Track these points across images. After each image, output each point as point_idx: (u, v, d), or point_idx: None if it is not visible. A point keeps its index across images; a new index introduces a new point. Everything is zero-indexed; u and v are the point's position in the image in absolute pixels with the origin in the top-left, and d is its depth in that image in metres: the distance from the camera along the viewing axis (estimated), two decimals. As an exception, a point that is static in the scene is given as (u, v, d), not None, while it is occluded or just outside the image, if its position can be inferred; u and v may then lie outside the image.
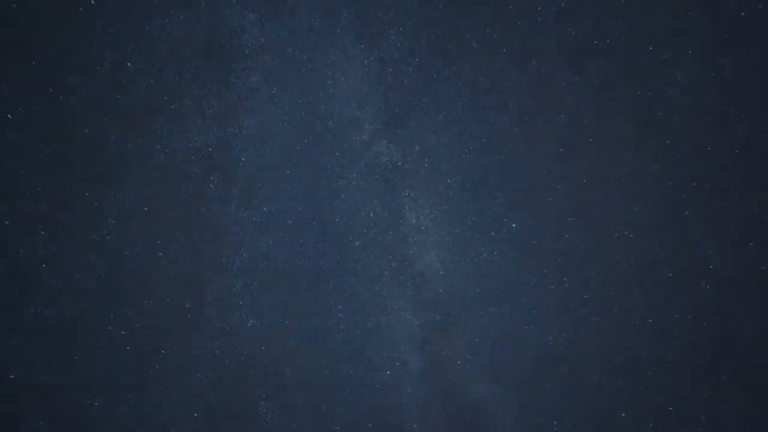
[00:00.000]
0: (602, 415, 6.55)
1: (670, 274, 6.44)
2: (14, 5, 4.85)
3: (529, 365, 6.84)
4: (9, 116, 5.02)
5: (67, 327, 5.70)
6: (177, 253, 5.80)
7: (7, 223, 5.30)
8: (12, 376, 5.39)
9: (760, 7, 5.95)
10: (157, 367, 5.92)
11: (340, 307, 6.35)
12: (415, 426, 6.44)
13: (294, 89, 5.91)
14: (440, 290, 6.57)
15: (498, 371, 6.84)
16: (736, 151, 6.30)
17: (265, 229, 6.07)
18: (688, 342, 6.48)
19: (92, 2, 4.76)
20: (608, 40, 6.34)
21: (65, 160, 5.63)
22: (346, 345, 6.41)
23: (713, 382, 6.45)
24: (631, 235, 6.46)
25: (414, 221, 6.47)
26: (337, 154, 6.16)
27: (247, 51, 5.71)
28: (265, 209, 6.02)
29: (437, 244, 6.55)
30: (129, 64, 5.02)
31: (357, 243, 6.32)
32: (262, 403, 6.19)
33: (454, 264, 6.65)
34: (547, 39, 6.41)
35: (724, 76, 6.17)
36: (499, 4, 6.03)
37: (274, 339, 6.20)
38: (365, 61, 5.95)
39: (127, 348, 5.75)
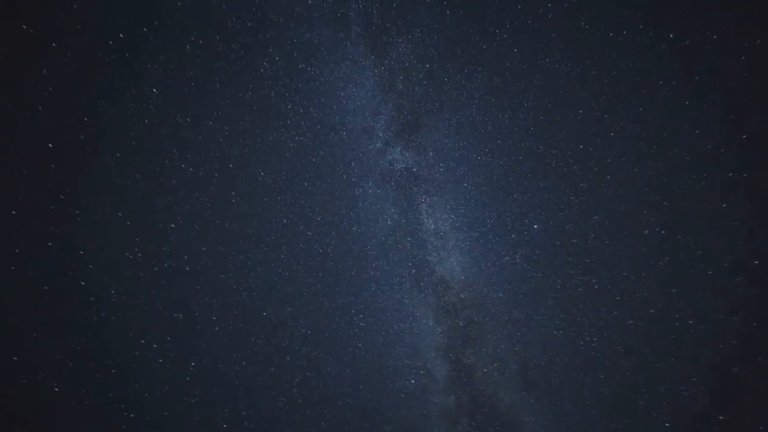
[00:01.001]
0: (643, 424, 5.80)
1: (710, 272, 5.70)
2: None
3: (562, 372, 6.19)
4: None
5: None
6: (204, 265, 5.68)
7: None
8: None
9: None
10: (194, 373, 5.74)
11: (361, 315, 6.02)
12: (441, 437, 5.94)
13: (308, 103, 5.76)
14: (462, 296, 6.12)
15: (528, 379, 6.23)
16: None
17: (285, 240, 5.87)
18: (735, 345, 5.68)
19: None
20: (623, 33, 5.82)
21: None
22: (368, 353, 6.05)
23: (762, 388, 5.58)
24: (664, 232, 5.79)
25: (432, 227, 6.10)
26: (353, 163, 5.93)
27: (262, 70, 5.62)
28: (285, 221, 5.83)
29: (457, 249, 6.13)
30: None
31: (376, 251, 6.01)
32: (285, 409, 5.90)
33: (475, 269, 6.19)
34: (559, 35, 5.96)
35: (743, 75, 5.50)
36: (507, 4, 5.67)
37: (297, 348, 5.93)
38: (376, 71, 5.75)
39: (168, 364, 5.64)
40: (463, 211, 5.83)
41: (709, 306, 5.56)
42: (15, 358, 5.58)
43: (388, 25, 5.59)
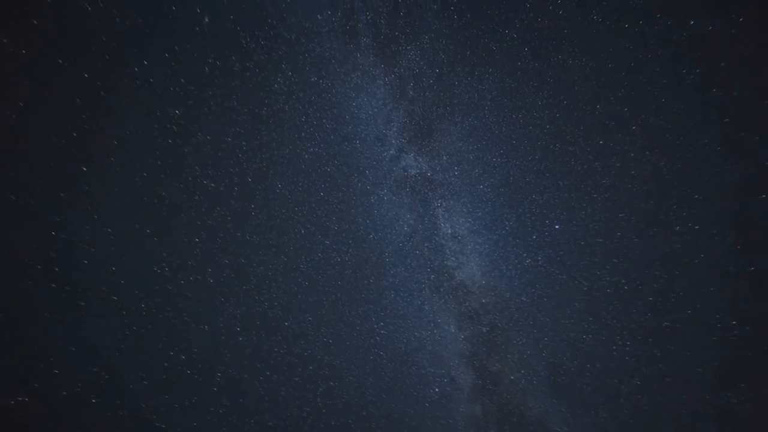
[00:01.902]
0: (688, 435, 5.13)
1: (752, 268, 5.04)
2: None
3: (595, 379, 5.61)
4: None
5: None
6: (227, 277, 5.55)
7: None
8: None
9: None
10: (221, 383, 5.56)
11: (382, 323, 5.70)
12: (468, 448, 5.48)
13: (321, 115, 5.60)
14: (484, 301, 5.69)
15: (559, 386, 5.68)
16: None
17: (304, 250, 5.66)
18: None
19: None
20: (639, 23, 5.35)
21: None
22: (390, 361, 5.70)
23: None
24: (697, 227, 5.19)
25: (449, 231, 5.74)
26: (367, 171, 5.69)
27: (276, 86, 5.51)
28: (303, 231, 5.63)
29: (476, 253, 5.73)
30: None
31: (394, 257, 5.69)
32: (310, 419, 5.60)
33: (496, 272, 5.76)
34: (571, 31, 5.55)
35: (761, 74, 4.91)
36: (515, 4, 5.33)
37: (319, 357, 5.65)
38: (386, 79, 5.53)
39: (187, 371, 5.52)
40: (480, 214, 5.43)
41: (751, 305, 4.88)
42: (56, 371, 5.56)
43: (396, 33, 5.37)
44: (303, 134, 5.60)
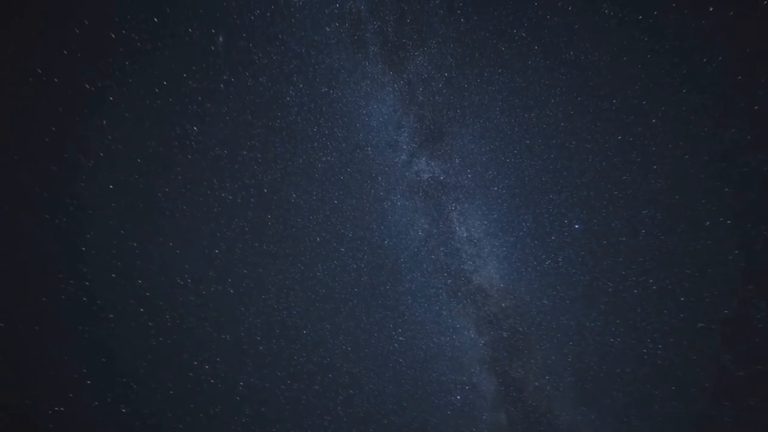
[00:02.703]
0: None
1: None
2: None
3: (626, 385, 5.10)
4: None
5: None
6: (246, 287, 5.41)
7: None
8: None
9: None
10: (243, 393, 5.39)
11: (400, 330, 5.40)
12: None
13: (332, 124, 5.43)
14: (503, 305, 5.30)
15: (588, 393, 5.19)
16: None
17: (320, 258, 5.45)
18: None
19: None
20: (653, 14, 4.95)
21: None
22: (410, 369, 5.37)
23: None
24: (729, 222, 4.67)
25: (465, 234, 5.41)
26: (380, 178, 5.47)
27: (288, 98, 5.40)
28: (318, 239, 5.44)
29: (493, 256, 5.37)
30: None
31: (409, 263, 5.40)
32: (331, 428, 5.32)
33: (515, 275, 5.37)
34: (582, 26, 5.20)
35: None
36: (522, 3, 5.03)
37: (338, 365, 5.39)
38: (395, 86, 5.34)
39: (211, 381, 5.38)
40: (495, 216, 5.08)
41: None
42: (88, 382, 5.52)
43: (403, 40, 5.17)
44: (315, 144, 5.44)
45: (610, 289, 4.94)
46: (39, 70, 5.33)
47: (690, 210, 4.95)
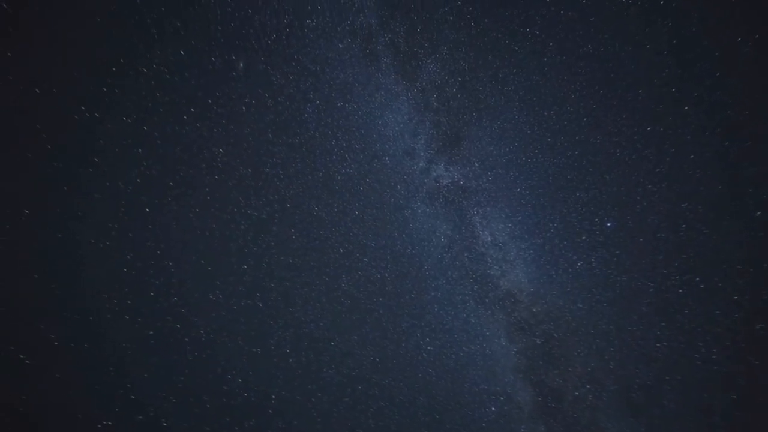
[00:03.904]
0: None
1: None
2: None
3: (678, 393, 4.33)
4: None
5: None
6: (274, 300, 5.12)
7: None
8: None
9: None
10: (275, 406, 5.06)
11: (428, 339, 4.92)
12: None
13: (349, 136, 5.14)
14: (535, 310, 4.69)
15: (634, 402, 4.45)
16: None
17: (344, 269, 5.09)
18: None
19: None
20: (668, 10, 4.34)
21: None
22: (441, 379, 4.86)
23: None
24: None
25: (489, 239, 4.90)
26: (399, 186, 5.10)
27: (306, 115, 5.16)
28: (341, 250, 5.09)
29: (520, 259, 4.80)
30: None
31: (433, 270, 4.93)
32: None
33: (545, 279, 4.77)
34: (599, 18, 4.65)
35: None
36: (533, 1, 4.56)
37: (367, 377, 4.93)
38: (409, 95, 5.01)
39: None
40: (520, 218, 4.53)
41: None
42: (133, 397, 5.36)
43: (415, 49, 4.83)
44: (334, 157, 5.16)
45: (651, 290, 4.24)
46: (83, 107, 5.37)
47: (736, 200, 4.20)
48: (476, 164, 5.05)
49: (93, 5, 4.98)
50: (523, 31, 4.95)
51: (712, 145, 4.42)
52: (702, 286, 4.26)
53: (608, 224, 4.50)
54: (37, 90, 5.16)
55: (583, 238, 4.55)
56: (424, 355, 4.97)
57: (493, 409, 4.63)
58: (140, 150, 5.80)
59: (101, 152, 5.56)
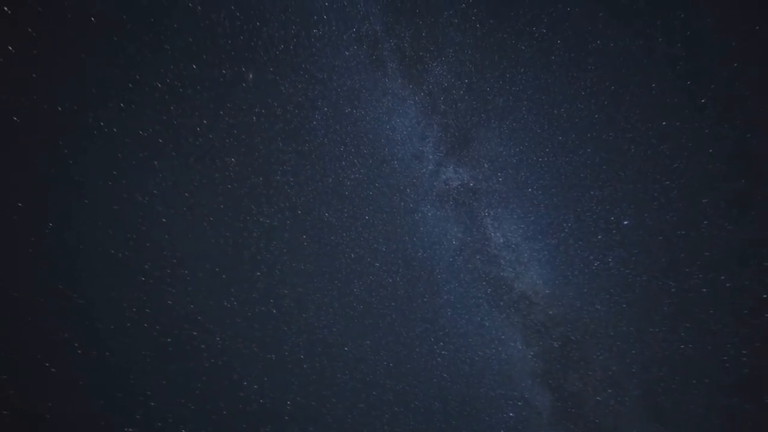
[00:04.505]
0: None
1: None
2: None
3: (706, 397, 3.99)
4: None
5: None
6: (287, 306, 4.98)
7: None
8: None
9: None
10: (291, 412, 4.91)
11: (441, 343, 4.70)
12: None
13: (358, 142, 5.00)
14: (551, 312, 4.42)
15: (660, 407, 4.12)
16: None
17: (355, 274, 4.92)
18: None
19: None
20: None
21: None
22: (456, 384, 4.61)
23: None
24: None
25: (501, 240, 4.66)
26: (408, 190, 4.92)
27: (314, 122, 5.05)
28: (352, 255, 4.93)
29: (535, 261, 4.55)
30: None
31: (446, 273, 4.71)
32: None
33: (560, 280, 4.50)
34: (608, 13, 4.42)
35: None
36: (538, 0, 4.36)
37: (382, 382, 4.73)
38: (416, 98, 4.85)
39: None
40: (533, 218, 4.28)
41: None
42: (153, 404, 5.27)
43: (420, 53, 4.67)
44: (343, 163, 5.02)
45: (673, 290, 3.93)
46: (101, 123, 5.37)
47: (759, 195, 3.86)
48: (486, 165, 4.83)
49: (110, 27, 5.00)
50: (529, 30, 4.74)
51: (732, 138, 4.11)
52: (728, 284, 3.93)
53: (625, 222, 4.21)
54: (59, 108, 5.18)
55: (599, 237, 4.27)
56: (438, 359, 4.74)
57: (511, 414, 4.35)
58: (156, 162, 5.78)
59: (120, 165, 5.56)
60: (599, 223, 4.38)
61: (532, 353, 4.47)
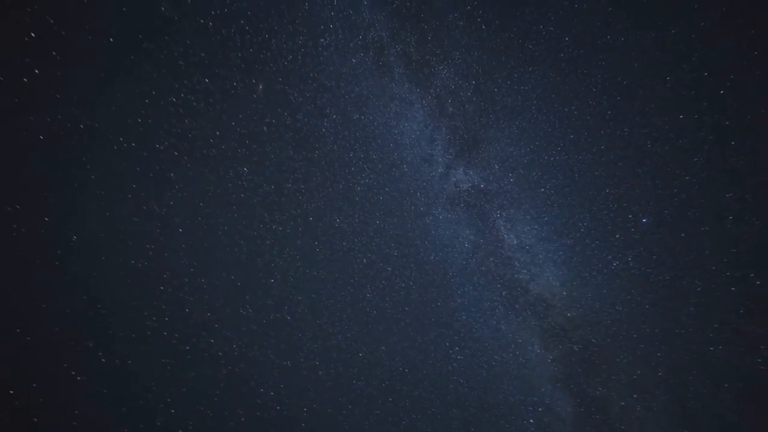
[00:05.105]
0: None
1: None
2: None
3: (740, 403, 3.65)
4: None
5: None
6: (302, 313, 4.87)
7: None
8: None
9: None
10: (308, 418, 4.76)
11: (457, 348, 4.51)
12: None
13: (367, 147, 4.90)
14: (569, 315, 4.17)
15: (691, 414, 3.81)
16: None
17: (368, 279, 4.78)
18: None
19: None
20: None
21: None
22: (473, 390, 4.40)
23: None
24: None
25: (515, 242, 4.45)
26: (418, 193, 4.78)
27: (323, 130, 4.97)
28: (364, 260, 4.80)
29: (550, 262, 4.32)
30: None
31: (459, 277, 4.52)
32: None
33: (578, 281, 4.25)
34: (616, 7, 4.20)
35: None
36: None
37: (398, 388, 4.55)
38: (424, 102, 4.73)
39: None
40: (546, 218, 4.06)
41: None
42: (173, 411, 5.20)
43: (426, 57, 4.55)
44: (353, 168, 4.92)
45: (699, 289, 3.64)
46: (120, 139, 5.42)
47: None
48: (496, 166, 4.64)
49: (128, 47, 5.06)
50: (536, 28, 4.56)
51: (755, 129, 3.80)
52: (758, 282, 3.62)
53: (644, 220, 3.95)
54: (81, 126, 5.25)
55: (617, 236, 4.01)
56: (454, 364, 4.52)
57: (531, 421, 4.09)
58: (172, 174, 5.79)
59: (139, 178, 5.59)
60: (617, 222, 4.12)
61: (551, 357, 4.21)
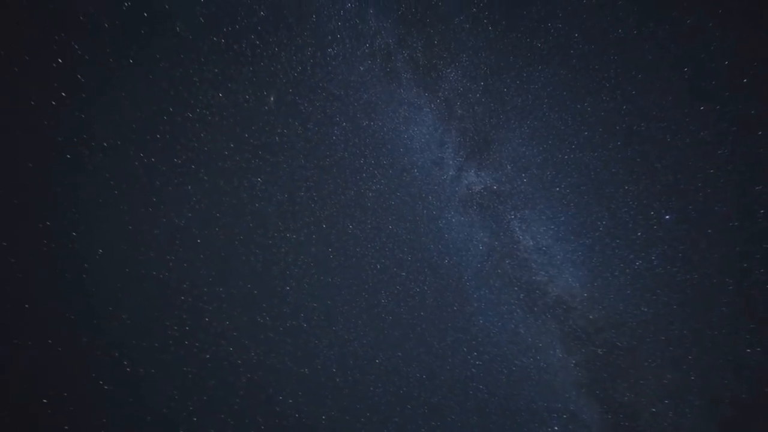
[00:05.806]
0: None
1: None
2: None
3: None
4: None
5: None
6: (318, 320, 4.76)
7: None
8: None
9: None
10: (326, 425, 4.62)
11: (475, 353, 4.31)
12: None
13: (377, 153, 4.79)
14: (591, 317, 3.90)
15: (729, 420, 3.47)
16: None
17: (382, 285, 4.63)
18: None
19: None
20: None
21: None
22: (493, 396, 4.17)
23: None
24: None
25: (531, 243, 4.23)
26: (430, 197, 4.63)
27: (333, 137, 4.90)
28: (378, 266, 4.66)
29: (569, 263, 4.07)
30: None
31: (475, 280, 4.32)
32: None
33: (599, 282, 3.99)
34: (627, 1, 3.98)
35: None
36: None
37: (416, 395, 4.35)
38: (432, 106, 4.61)
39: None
40: (563, 218, 3.83)
41: None
42: (195, 419, 5.14)
43: (434, 61, 4.43)
44: (364, 174, 4.82)
45: (730, 287, 3.34)
46: (141, 154, 5.46)
47: None
48: (509, 167, 4.43)
49: (146, 68, 5.11)
50: (544, 26, 4.37)
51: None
52: (796, 279, 3.28)
53: (667, 217, 3.67)
54: (105, 144, 5.32)
55: (639, 234, 3.74)
56: (473, 370, 4.30)
57: (556, 428, 3.82)
58: (189, 187, 5.81)
59: (159, 193, 5.62)
60: (637, 220, 3.84)
61: (573, 361, 3.94)
